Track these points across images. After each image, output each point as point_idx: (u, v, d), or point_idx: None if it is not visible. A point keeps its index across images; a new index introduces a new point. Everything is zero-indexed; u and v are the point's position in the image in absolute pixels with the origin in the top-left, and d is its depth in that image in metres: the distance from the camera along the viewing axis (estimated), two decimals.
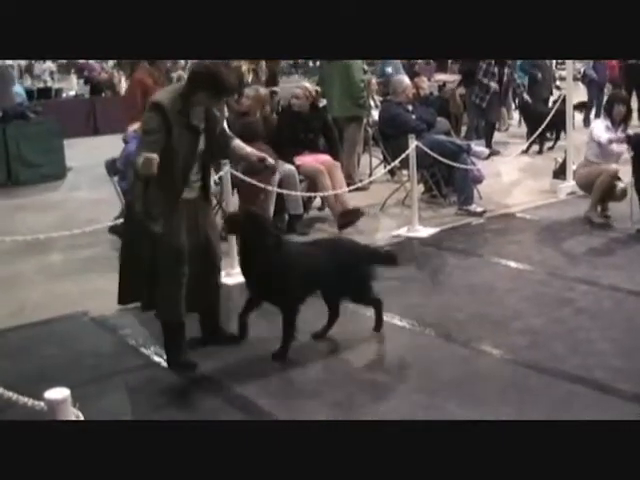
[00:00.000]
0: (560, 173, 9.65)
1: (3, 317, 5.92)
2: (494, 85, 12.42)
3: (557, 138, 12.56)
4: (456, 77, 14.54)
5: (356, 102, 9.90)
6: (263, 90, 8.47)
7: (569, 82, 10.19)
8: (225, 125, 4.97)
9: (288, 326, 4.84)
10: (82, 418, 2.41)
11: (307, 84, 8.84)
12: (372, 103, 11.61)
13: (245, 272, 4.89)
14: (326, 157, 8.38)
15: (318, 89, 9.12)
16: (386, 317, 5.48)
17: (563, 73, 15.41)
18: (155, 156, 4.40)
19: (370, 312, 5.33)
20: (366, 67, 10.58)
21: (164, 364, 4.93)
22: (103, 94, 19.56)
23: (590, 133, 8.30)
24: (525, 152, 12.03)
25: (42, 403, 2.46)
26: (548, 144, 12.63)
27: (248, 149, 5.09)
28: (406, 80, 9.55)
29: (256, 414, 4.26)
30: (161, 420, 4.12)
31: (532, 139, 11.65)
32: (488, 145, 12.22)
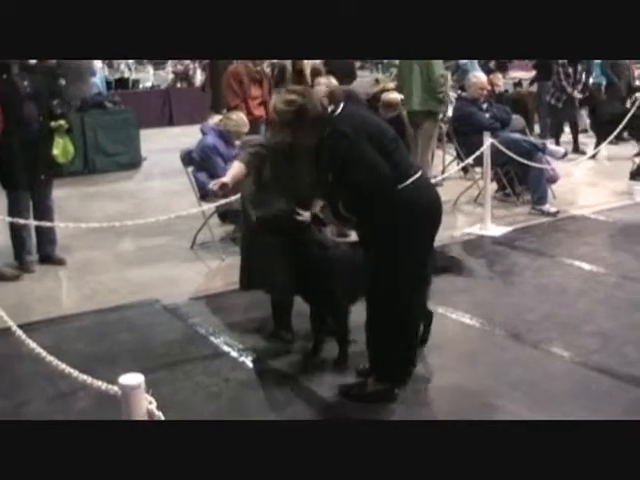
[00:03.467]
0: (637, 175, 9.44)
1: (78, 301, 6.08)
2: (569, 88, 12.24)
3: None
4: (532, 74, 14.36)
5: (435, 97, 9.77)
6: (334, 80, 8.45)
7: None
8: None
9: (340, 331, 4.75)
10: (155, 404, 2.44)
11: (397, 94, 8.78)
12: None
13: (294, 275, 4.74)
14: None
15: (399, 93, 9.06)
16: (455, 315, 5.47)
17: None
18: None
19: (442, 309, 5.37)
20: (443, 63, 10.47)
21: (233, 354, 4.99)
22: (178, 85, 19.81)
23: None
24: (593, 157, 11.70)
25: (116, 387, 2.50)
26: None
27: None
28: (481, 77, 9.44)
29: (321, 409, 4.30)
30: (221, 420, 4.17)
31: (606, 142, 11.29)
32: (557, 144, 12.04)
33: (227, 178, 4.80)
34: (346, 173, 3.95)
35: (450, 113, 10.28)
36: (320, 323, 4.86)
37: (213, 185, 4.87)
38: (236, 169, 4.86)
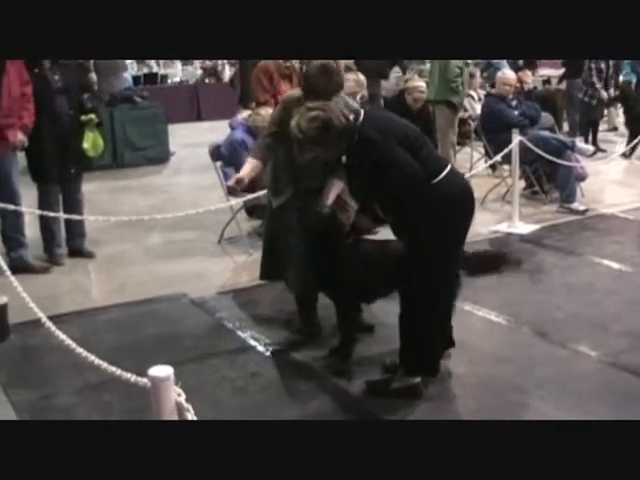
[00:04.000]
0: None
1: (106, 294, 6.13)
2: (598, 84, 12.15)
3: None
4: (561, 72, 14.26)
5: (449, 86, 9.73)
6: (362, 76, 8.46)
7: None
8: None
9: (342, 322, 4.75)
10: (184, 397, 2.45)
11: (423, 83, 8.81)
12: (475, 95, 11.49)
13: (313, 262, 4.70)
14: None
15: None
16: (482, 312, 5.46)
17: None
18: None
19: (469, 306, 5.40)
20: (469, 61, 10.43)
21: (260, 348, 5.02)
22: (207, 81, 19.90)
23: None
24: (627, 156, 11.58)
25: (145, 380, 2.51)
26: None
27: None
28: (507, 73, 9.41)
29: (346, 404, 4.31)
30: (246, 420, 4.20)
31: (636, 142, 11.17)
32: (591, 143, 11.96)
33: (242, 174, 4.86)
34: (379, 177, 3.98)
35: (478, 111, 10.25)
36: (345, 319, 4.86)
37: (229, 182, 4.95)
38: (250, 164, 4.91)
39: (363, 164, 4.03)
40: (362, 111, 4.20)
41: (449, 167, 4.15)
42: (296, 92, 4.99)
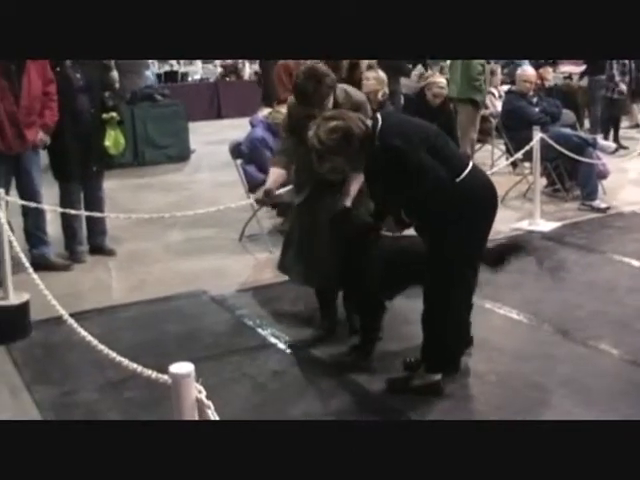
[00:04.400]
0: None
1: (126, 290, 6.16)
2: (618, 77, 12.09)
3: None
4: (582, 69, 14.17)
5: (472, 84, 9.71)
6: (382, 73, 8.45)
7: None
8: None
9: (363, 320, 4.78)
10: (204, 394, 2.46)
11: (443, 79, 8.80)
12: (495, 93, 11.44)
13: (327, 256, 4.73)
14: None
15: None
16: (503, 310, 5.44)
17: None
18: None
19: (489, 304, 5.39)
20: None
21: (280, 345, 5.02)
22: (227, 79, 19.93)
23: None
24: None
25: (166, 376, 2.52)
26: None
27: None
28: (527, 70, 9.36)
29: (366, 402, 4.30)
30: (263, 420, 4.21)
31: None
32: (612, 140, 11.88)
33: (269, 185, 4.83)
34: (401, 181, 3.95)
35: (499, 108, 10.20)
36: (365, 317, 4.85)
37: (259, 195, 4.93)
38: (274, 174, 4.88)
39: (385, 170, 3.99)
40: (379, 116, 4.15)
41: (471, 164, 4.14)
42: None
